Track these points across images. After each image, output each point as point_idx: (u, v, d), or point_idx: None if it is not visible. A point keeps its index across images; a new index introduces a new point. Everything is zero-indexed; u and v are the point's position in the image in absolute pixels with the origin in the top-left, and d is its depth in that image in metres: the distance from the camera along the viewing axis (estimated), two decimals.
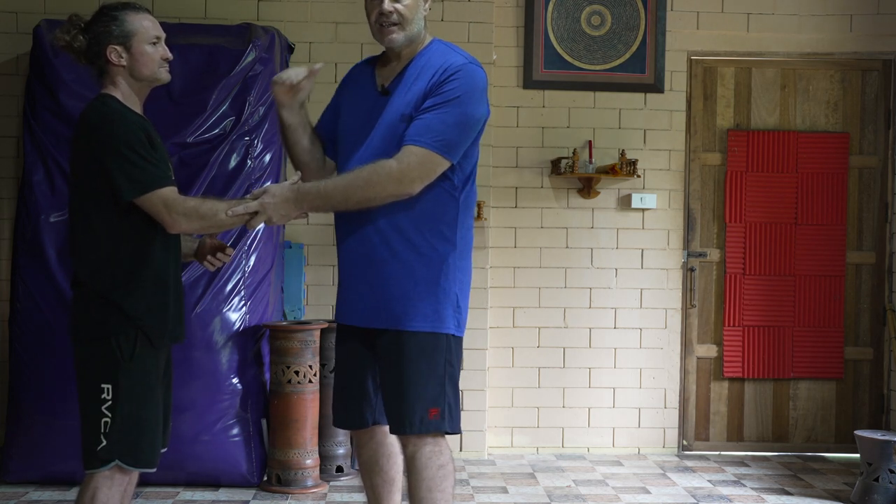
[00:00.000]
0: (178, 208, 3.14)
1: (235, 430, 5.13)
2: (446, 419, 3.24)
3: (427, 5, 3.30)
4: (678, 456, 6.22)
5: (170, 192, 3.15)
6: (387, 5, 3.22)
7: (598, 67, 6.21)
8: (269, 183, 3.37)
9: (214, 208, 3.22)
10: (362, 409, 3.37)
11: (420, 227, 3.22)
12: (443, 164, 3.18)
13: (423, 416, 3.21)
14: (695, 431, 6.31)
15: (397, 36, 3.25)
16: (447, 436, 3.30)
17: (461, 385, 5.86)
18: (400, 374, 3.24)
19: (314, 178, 3.35)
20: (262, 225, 5.12)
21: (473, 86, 3.20)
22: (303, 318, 5.81)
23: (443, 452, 3.25)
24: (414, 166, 3.13)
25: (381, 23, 3.25)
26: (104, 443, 3.14)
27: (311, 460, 5.14)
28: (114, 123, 3.14)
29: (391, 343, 3.25)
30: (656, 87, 6.21)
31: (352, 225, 3.30)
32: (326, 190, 3.19)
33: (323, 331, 5.32)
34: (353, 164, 3.27)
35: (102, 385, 3.15)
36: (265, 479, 5.22)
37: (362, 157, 3.26)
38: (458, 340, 3.32)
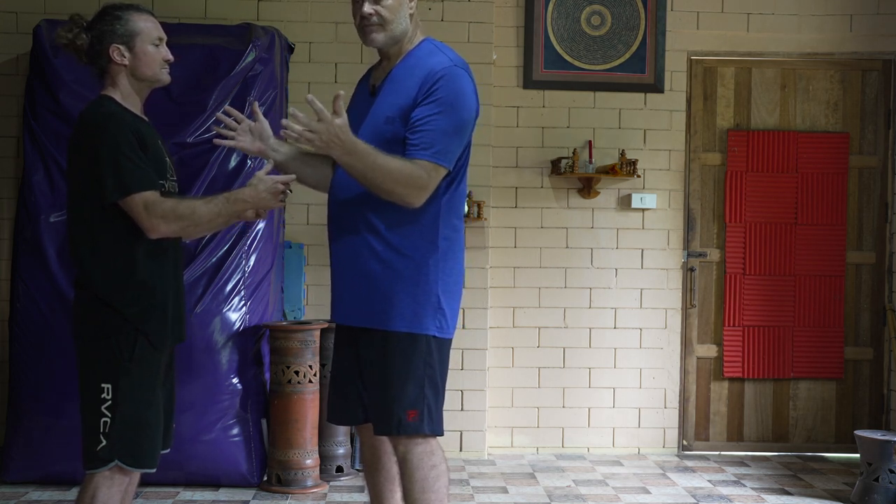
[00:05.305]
0: (157, 211, 3.14)
1: (235, 430, 5.13)
2: (425, 421, 3.23)
3: (413, 4, 3.29)
4: (678, 456, 6.22)
5: (151, 195, 3.15)
6: (367, 8, 3.23)
7: (598, 67, 6.21)
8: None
9: (192, 206, 3.22)
10: (354, 406, 3.38)
11: (399, 228, 3.22)
12: (444, 174, 3.20)
13: (402, 418, 3.21)
14: (695, 431, 6.31)
15: (377, 36, 3.25)
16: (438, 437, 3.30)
17: (461, 385, 5.91)
18: (379, 374, 3.25)
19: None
20: (261, 224, 5.21)
21: (460, 89, 3.20)
22: (303, 318, 5.81)
23: (434, 452, 3.25)
24: (432, 181, 3.16)
25: (363, 25, 3.26)
26: (104, 443, 3.15)
27: (311, 460, 5.14)
28: (106, 125, 3.14)
29: (371, 343, 3.26)
30: (656, 87, 6.21)
31: (339, 225, 3.31)
32: (368, 159, 3.11)
33: (323, 331, 5.32)
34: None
35: (103, 385, 3.15)
36: (265, 479, 5.22)
37: None
38: (441, 342, 3.29)
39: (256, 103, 3.48)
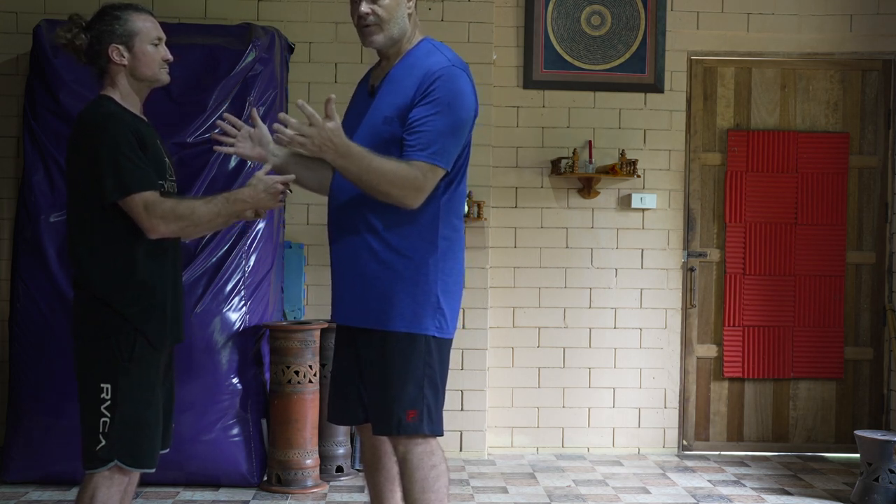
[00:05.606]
0: (157, 211, 3.14)
1: (235, 430, 5.13)
2: (425, 421, 3.23)
3: (411, 4, 3.29)
4: (678, 456, 6.22)
5: (151, 195, 3.15)
6: (364, 7, 3.22)
7: (598, 67, 6.21)
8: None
9: (191, 206, 3.22)
10: (354, 407, 3.38)
11: (398, 229, 3.22)
12: (442, 174, 3.20)
13: (402, 418, 3.21)
14: (695, 431, 6.31)
15: (377, 37, 3.25)
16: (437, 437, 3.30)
17: (461, 385, 5.91)
18: (378, 374, 3.25)
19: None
20: (261, 224, 5.21)
21: (458, 89, 3.19)
22: (303, 318, 5.81)
23: (434, 452, 3.25)
24: (429, 182, 3.16)
25: (360, 25, 3.26)
26: (103, 443, 3.15)
27: (311, 460, 5.14)
28: (105, 125, 3.14)
29: (370, 343, 3.26)
30: (656, 87, 6.21)
31: (339, 226, 3.31)
32: (363, 162, 3.11)
33: (323, 331, 5.33)
34: None
35: (102, 385, 3.15)
36: (265, 479, 5.22)
37: None
38: (441, 342, 3.28)
39: (255, 110, 3.48)
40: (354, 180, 3.15)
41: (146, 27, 3.26)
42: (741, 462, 6.08)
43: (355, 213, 3.24)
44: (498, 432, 6.18)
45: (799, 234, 6.28)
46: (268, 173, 3.33)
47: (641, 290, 6.25)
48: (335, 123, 3.09)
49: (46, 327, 5.11)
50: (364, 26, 3.24)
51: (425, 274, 3.23)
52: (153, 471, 3.26)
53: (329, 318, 5.78)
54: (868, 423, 6.31)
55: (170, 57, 3.33)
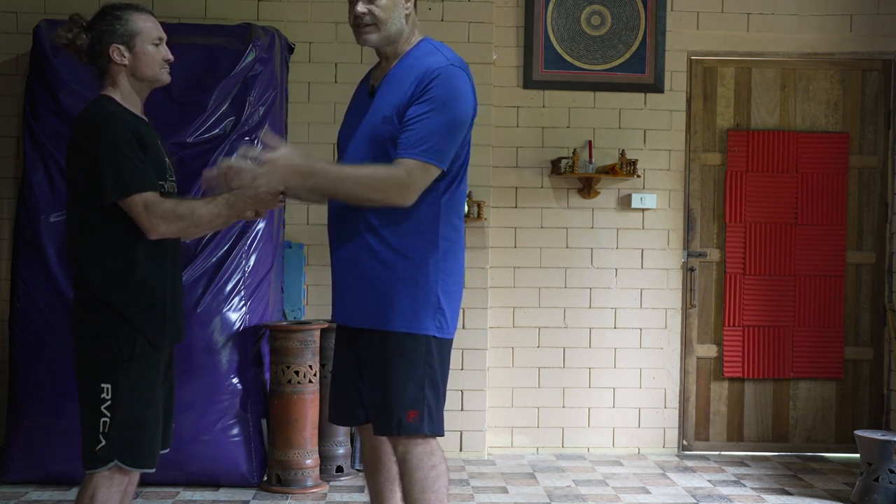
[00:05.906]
0: (157, 211, 3.14)
1: (235, 430, 5.13)
2: (426, 421, 3.22)
3: (409, 4, 3.29)
4: (678, 456, 6.22)
5: (151, 195, 3.15)
6: (360, 7, 3.22)
7: (598, 67, 6.21)
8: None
9: (192, 207, 3.22)
10: (354, 407, 3.38)
11: (399, 229, 3.21)
12: (436, 173, 3.18)
13: (402, 419, 3.20)
14: (695, 431, 6.31)
15: (371, 36, 3.25)
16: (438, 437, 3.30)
17: (461, 385, 5.91)
18: (379, 374, 3.24)
19: None
20: (261, 224, 5.21)
21: (455, 88, 3.18)
22: (303, 318, 5.81)
23: (434, 453, 3.25)
24: (417, 179, 3.13)
25: (356, 24, 3.26)
26: (103, 443, 3.15)
27: (311, 460, 5.14)
28: (105, 125, 3.14)
29: (371, 343, 3.26)
30: (656, 87, 6.21)
31: (339, 226, 3.30)
32: (331, 173, 3.12)
33: (323, 331, 5.33)
34: (344, 163, 3.28)
35: (102, 385, 3.15)
36: (265, 479, 5.22)
37: (349, 158, 3.27)
38: (442, 342, 3.28)
39: (218, 165, 3.30)
40: (332, 195, 3.16)
41: (147, 27, 3.26)
42: (741, 462, 6.08)
43: (355, 213, 3.24)
44: (498, 432, 6.18)
45: (799, 234, 6.29)
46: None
47: (641, 290, 6.25)
48: (285, 149, 3.08)
49: (46, 327, 5.11)
50: (360, 26, 3.24)
51: (425, 274, 3.22)
52: (153, 471, 3.26)
53: (329, 318, 5.79)
54: (868, 423, 6.31)
55: (170, 57, 3.33)
